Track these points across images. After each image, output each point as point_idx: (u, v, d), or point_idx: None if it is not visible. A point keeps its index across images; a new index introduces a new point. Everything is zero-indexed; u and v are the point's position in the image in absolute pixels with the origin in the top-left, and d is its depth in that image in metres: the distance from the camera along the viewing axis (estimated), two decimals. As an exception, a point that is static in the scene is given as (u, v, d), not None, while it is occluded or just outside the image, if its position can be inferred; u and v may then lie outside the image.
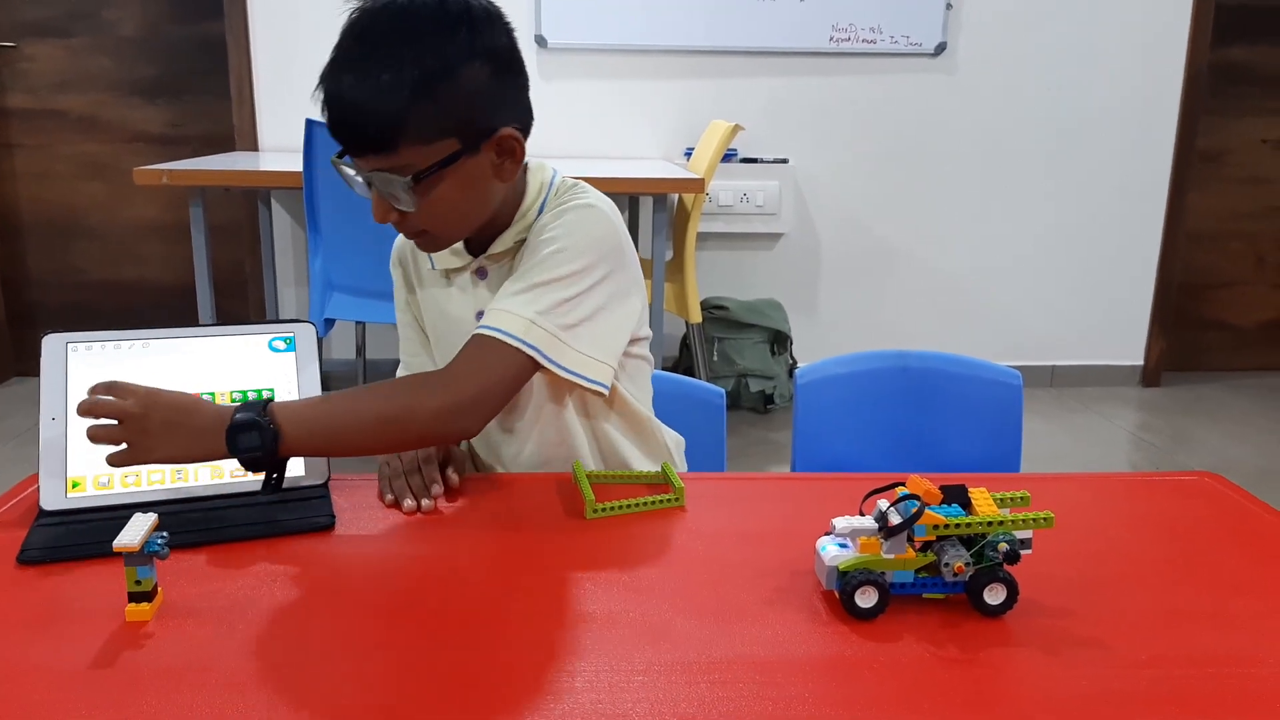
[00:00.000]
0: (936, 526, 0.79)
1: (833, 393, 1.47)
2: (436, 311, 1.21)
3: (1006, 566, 0.80)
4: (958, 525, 0.80)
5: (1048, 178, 3.53)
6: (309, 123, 2.36)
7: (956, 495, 0.83)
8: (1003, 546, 0.79)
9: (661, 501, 1.02)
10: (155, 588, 0.81)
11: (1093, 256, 3.61)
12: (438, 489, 1.04)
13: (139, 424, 0.91)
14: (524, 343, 1.02)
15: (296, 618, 0.81)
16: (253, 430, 0.93)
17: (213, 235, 2.79)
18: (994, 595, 0.80)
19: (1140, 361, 3.71)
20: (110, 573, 0.86)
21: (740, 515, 1.02)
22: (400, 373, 1.29)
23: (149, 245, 3.62)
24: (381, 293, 2.54)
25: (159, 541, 0.79)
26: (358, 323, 3.29)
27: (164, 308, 3.61)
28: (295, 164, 2.53)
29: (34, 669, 0.73)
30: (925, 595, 0.82)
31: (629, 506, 1.01)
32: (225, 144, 3.42)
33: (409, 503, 1.02)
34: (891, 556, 0.80)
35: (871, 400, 1.47)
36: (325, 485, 1.04)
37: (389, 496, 1.04)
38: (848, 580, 0.79)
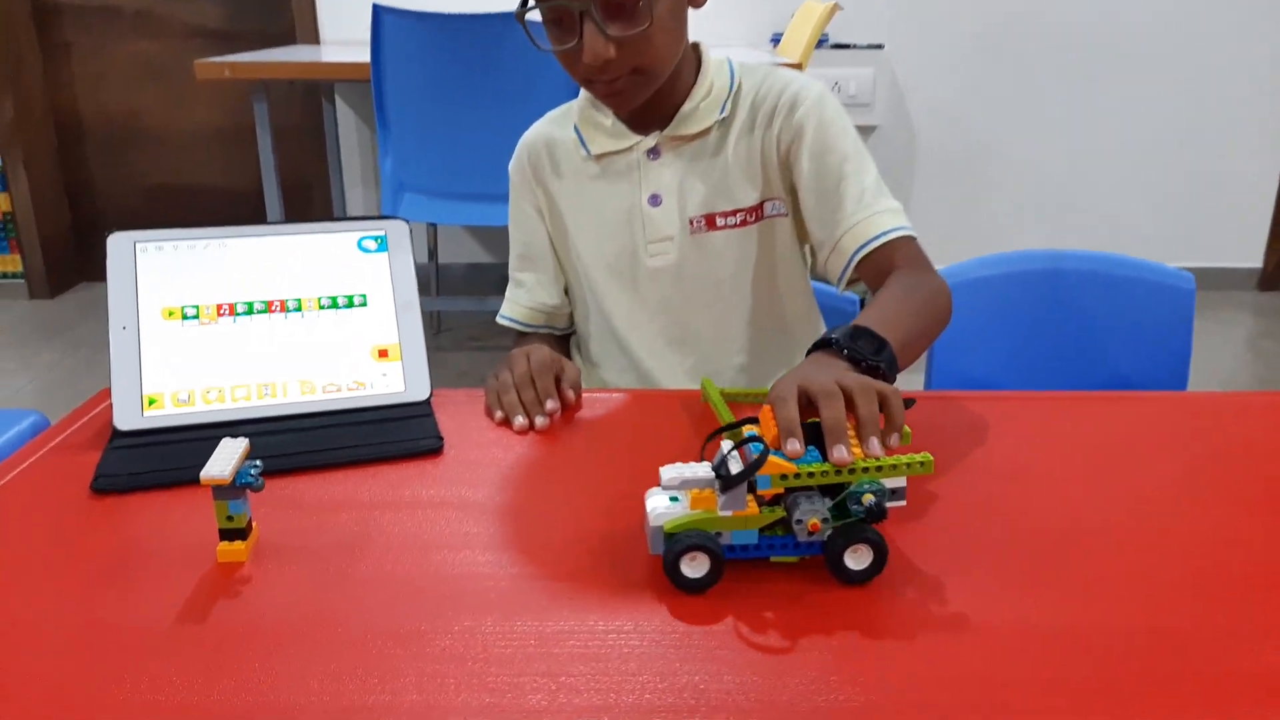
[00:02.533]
0: (785, 476, 0.64)
1: (975, 298, 1.30)
2: (584, 206, 1.11)
3: (875, 524, 0.64)
4: (811, 474, 0.64)
5: (1168, 63, 3.22)
6: (376, 9, 2.19)
7: (815, 436, 0.66)
8: (867, 498, 0.63)
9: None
10: (250, 523, 0.70)
11: (1212, 152, 3.31)
12: (553, 404, 0.92)
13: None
14: (910, 228, 1.04)
15: (410, 555, 0.69)
16: (864, 335, 0.80)
17: (276, 137, 2.66)
18: (856, 559, 0.64)
19: (1259, 265, 3.45)
20: (196, 502, 0.75)
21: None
22: (512, 293, 1.18)
23: (211, 150, 3.51)
24: (457, 193, 2.40)
25: (252, 472, 0.67)
26: (429, 225, 3.17)
27: (229, 214, 3.52)
28: (361, 56, 2.36)
29: (113, 622, 0.62)
30: (774, 560, 0.67)
31: None
32: (283, 40, 3.27)
33: (520, 420, 0.90)
34: (729, 514, 0.65)
35: (1020, 307, 1.31)
36: (428, 403, 0.92)
37: (499, 414, 0.92)
38: (672, 544, 0.64)
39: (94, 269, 3.61)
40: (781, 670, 0.57)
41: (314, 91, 3.27)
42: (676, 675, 0.57)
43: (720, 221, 1.07)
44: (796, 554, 0.66)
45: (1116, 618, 0.62)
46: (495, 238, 3.45)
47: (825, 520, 0.64)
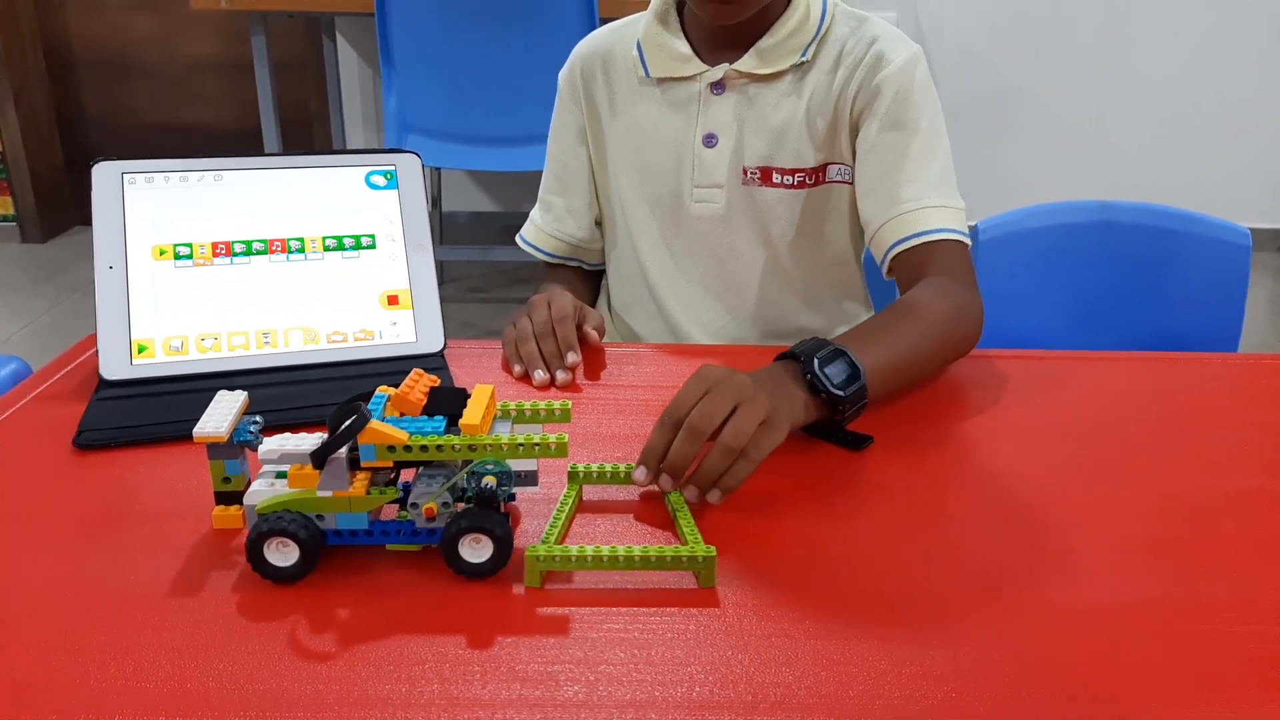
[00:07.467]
0: (393, 448, 0.55)
1: (1019, 251, 1.23)
2: (632, 134, 1.01)
3: (505, 507, 0.58)
4: (424, 447, 0.55)
5: (1204, 11, 3.10)
6: (380, -64, 2.09)
7: (447, 401, 0.58)
8: (488, 480, 0.56)
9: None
10: (248, 485, 0.63)
11: (1251, 105, 3.21)
12: (574, 358, 0.84)
13: (754, 395, 0.66)
14: (963, 234, 0.93)
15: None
16: (839, 358, 0.73)
17: (274, 73, 2.56)
18: (473, 550, 0.56)
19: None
20: (189, 461, 0.68)
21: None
22: (538, 215, 1.09)
23: (207, 84, 3.40)
24: (464, 135, 2.31)
25: (251, 428, 0.61)
26: (432, 169, 3.08)
27: (225, 153, 3.41)
28: (364, -13, 2.26)
29: (95, 594, 0.55)
30: (391, 547, 0.59)
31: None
32: (283, -29, 3.14)
33: (541, 375, 0.83)
34: (329, 494, 0.56)
35: (1067, 260, 1.23)
36: (441, 354, 0.85)
37: (518, 368, 0.85)
38: (254, 528, 0.56)
39: (88, 211, 3.51)
40: (845, 662, 0.51)
41: (314, 25, 3.15)
42: (729, 666, 0.51)
43: (777, 178, 0.97)
44: (416, 541, 0.58)
45: (1174, 593, 0.55)
46: (501, 185, 3.35)
47: (446, 505, 0.56)
